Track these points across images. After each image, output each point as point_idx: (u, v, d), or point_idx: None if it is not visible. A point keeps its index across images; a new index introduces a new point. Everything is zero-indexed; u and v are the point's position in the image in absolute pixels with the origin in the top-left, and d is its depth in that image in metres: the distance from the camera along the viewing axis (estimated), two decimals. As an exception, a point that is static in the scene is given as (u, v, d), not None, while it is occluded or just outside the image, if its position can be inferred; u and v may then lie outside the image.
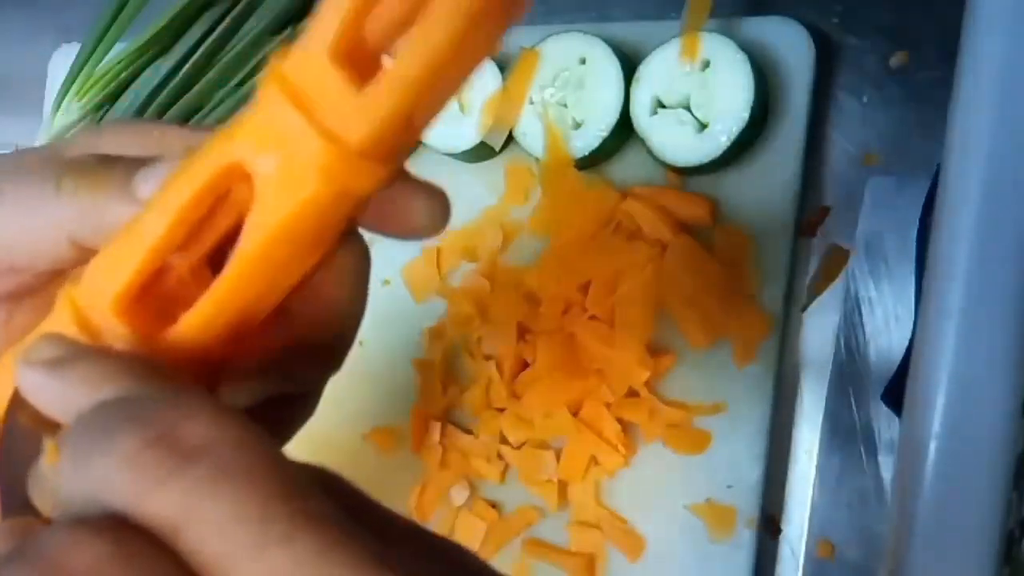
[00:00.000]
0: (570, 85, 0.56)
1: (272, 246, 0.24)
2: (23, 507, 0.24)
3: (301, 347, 0.27)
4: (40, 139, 0.67)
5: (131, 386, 0.22)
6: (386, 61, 0.23)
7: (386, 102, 0.22)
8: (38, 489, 0.24)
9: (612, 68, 0.55)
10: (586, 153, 0.55)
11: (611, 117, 0.55)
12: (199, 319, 0.25)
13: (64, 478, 0.20)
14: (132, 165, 0.27)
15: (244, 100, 0.64)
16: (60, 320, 0.26)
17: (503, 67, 0.58)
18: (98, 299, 0.25)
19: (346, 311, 0.27)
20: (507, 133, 0.58)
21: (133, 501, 0.19)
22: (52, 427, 0.24)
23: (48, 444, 0.22)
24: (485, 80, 0.58)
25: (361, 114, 0.22)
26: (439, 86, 0.23)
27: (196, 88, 0.65)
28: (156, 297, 0.25)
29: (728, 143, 0.52)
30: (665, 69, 0.54)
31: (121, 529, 0.19)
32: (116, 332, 0.25)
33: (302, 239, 0.24)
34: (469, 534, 0.57)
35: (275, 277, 0.25)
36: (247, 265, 0.24)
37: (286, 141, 0.23)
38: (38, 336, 0.25)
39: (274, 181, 0.23)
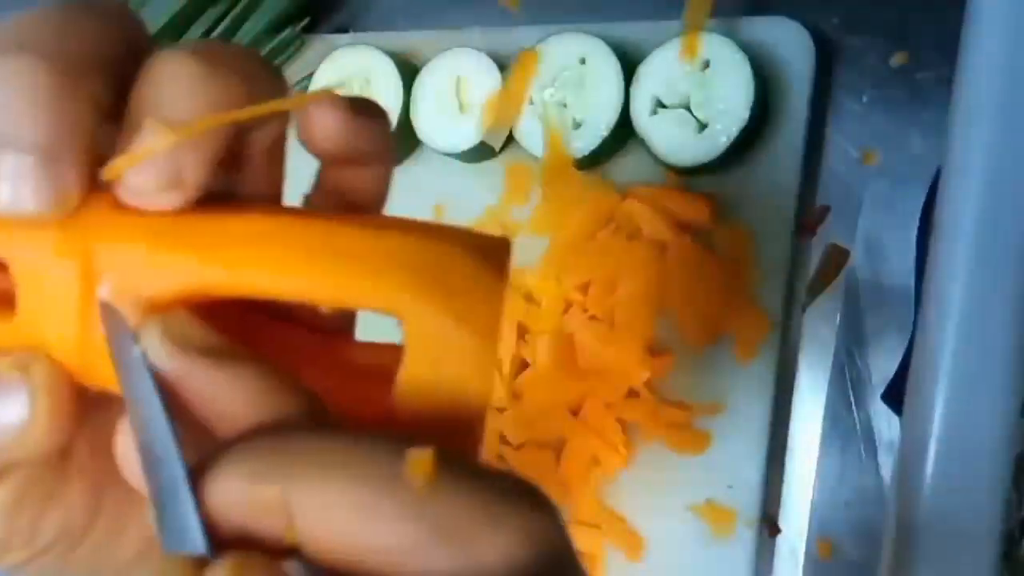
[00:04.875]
0: (570, 85, 0.56)
1: None
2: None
3: None
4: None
5: (302, 408, 0.22)
6: None
7: None
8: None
9: (612, 68, 0.55)
10: (586, 153, 0.55)
11: (611, 117, 0.55)
12: None
13: (453, 502, 0.20)
14: None
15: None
16: None
17: (503, 67, 0.58)
18: None
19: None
20: (507, 133, 0.58)
21: None
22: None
23: (425, 455, 0.20)
24: (485, 80, 0.58)
25: None
26: None
27: (196, 88, 0.65)
28: None
29: (728, 143, 0.52)
30: (665, 69, 0.54)
31: None
32: None
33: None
34: (469, 534, 0.57)
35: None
36: None
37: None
38: (174, 312, 0.23)
39: None
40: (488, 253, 0.24)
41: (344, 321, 0.29)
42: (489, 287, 0.23)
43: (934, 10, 0.52)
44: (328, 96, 0.25)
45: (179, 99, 0.23)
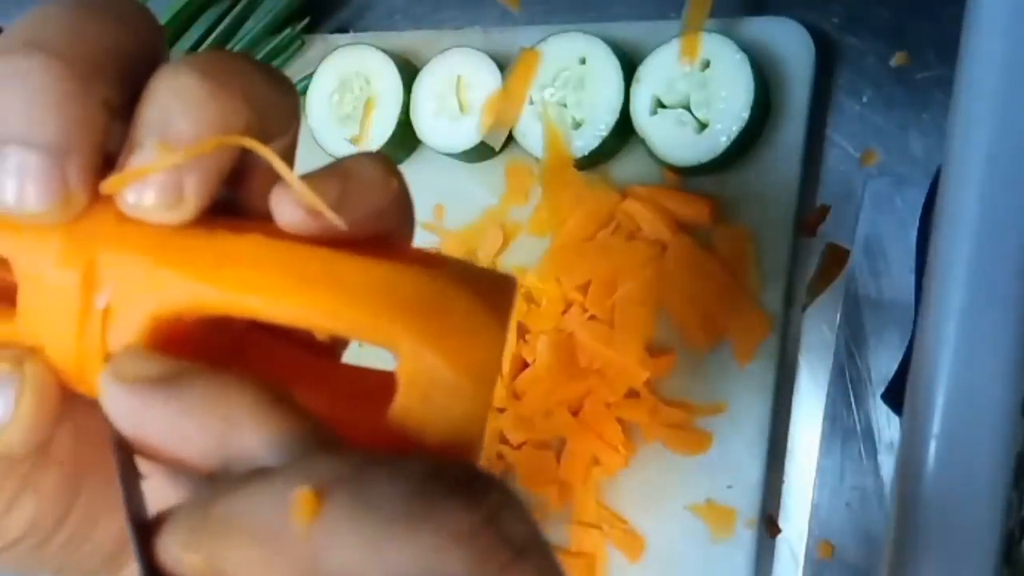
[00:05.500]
0: (570, 85, 0.56)
1: None
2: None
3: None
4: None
5: (274, 425, 0.21)
6: None
7: None
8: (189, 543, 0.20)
9: (612, 68, 0.55)
10: (586, 153, 0.55)
11: (611, 117, 0.55)
12: None
13: (338, 543, 0.18)
14: None
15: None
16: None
17: (503, 67, 0.58)
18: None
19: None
20: (507, 133, 0.58)
21: None
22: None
23: (302, 497, 0.18)
24: (485, 80, 0.58)
25: None
26: None
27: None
28: None
29: (728, 143, 0.52)
30: (665, 69, 0.54)
31: None
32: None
33: None
34: (469, 534, 0.57)
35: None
36: None
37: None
38: (127, 351, 0.22)
39: None
40: (491, 292, 0.24)
41: (338, 341, 0.28)
42: (489, 329, 0.23)
43: (934, 10, 0.52)
44: (294, 192, 0.23)
45: (183, 118, 0.22)
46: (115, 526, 0.27)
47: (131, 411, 0.21)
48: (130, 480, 0.22)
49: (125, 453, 0.22)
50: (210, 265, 0.23)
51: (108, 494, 0.26)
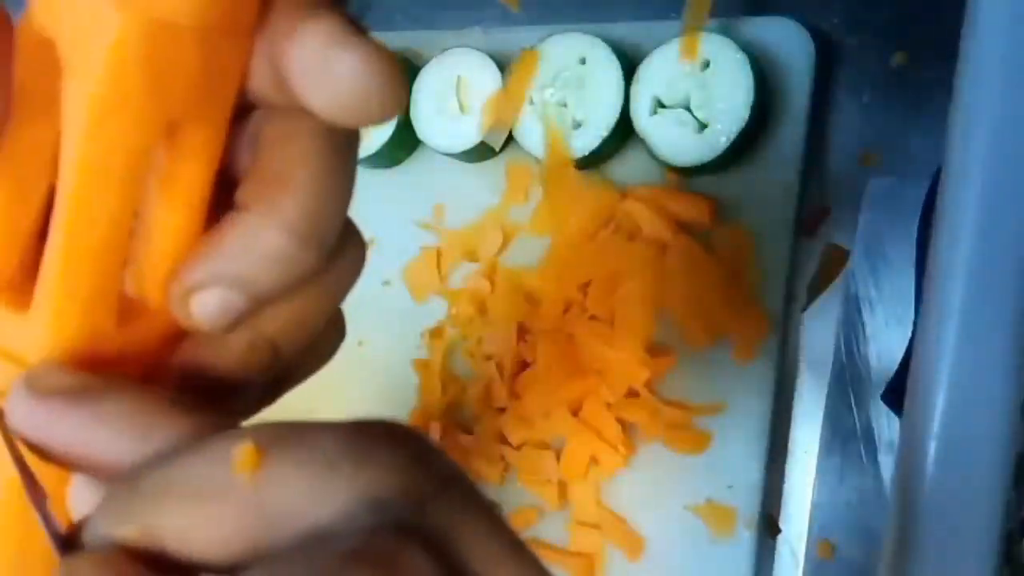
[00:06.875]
0: (570, 85, 0.56)
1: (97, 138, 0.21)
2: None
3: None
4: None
5: (186, 423, 0.21)
6: None
7: None
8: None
9: (612, 68, 0.55)
10: (586, 153, 0.55)
11: (611, 117, 0.55)
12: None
13: (286, 485, 0.19)
14: None
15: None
16: None
17: (503, 67, 0.58)
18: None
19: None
20: (507, 133, 0.58)
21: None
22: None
23: (245, 451, 0.19)
24: (485, 80, 0.58)
25: None
26: None
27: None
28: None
29: (728, 143, 0.52)
30: (665, 69, 0.54)
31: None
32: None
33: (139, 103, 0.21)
34: (469, 534, 0.57)
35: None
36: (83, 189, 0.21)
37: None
38: (42, 364, 0.22)
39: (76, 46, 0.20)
40: None
41: None
42: None
43: (934, 10, 0.52)
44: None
45: None
46: None
47: (38, 420, 0.22)
48: (39, 498, 0.21)
49: (28, 475, 0.22)
50: None
51: None
